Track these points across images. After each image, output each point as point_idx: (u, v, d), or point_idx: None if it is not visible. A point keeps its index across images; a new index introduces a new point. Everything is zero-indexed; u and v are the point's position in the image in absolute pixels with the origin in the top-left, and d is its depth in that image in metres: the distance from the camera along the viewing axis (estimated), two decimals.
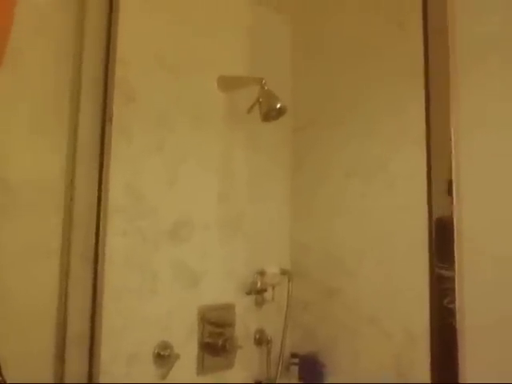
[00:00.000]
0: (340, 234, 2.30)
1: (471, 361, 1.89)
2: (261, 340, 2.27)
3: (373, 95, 2.25)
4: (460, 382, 1.89)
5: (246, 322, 2.22)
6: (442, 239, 1.96)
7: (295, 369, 2.29)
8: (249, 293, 2.20)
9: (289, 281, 2.30)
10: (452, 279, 1.92)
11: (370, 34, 2.28)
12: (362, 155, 2.26)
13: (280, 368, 2.24)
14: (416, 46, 2.09)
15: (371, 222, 2.22)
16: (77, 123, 1.72)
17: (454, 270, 1.90)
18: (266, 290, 2.23)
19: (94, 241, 1.74)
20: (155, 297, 1.89)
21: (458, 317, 1.91)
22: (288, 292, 2.29)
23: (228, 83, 2.12)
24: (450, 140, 1.93)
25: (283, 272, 2.30)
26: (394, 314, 2.14)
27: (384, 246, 2.17)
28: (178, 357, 1.91)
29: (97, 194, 1.74)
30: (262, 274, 2.23)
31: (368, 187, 2.23)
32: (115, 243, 1.77)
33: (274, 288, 2.26)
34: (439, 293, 1.99)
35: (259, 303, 2.27)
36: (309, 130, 2.43)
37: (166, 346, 1.91)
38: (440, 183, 1.96)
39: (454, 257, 1.89)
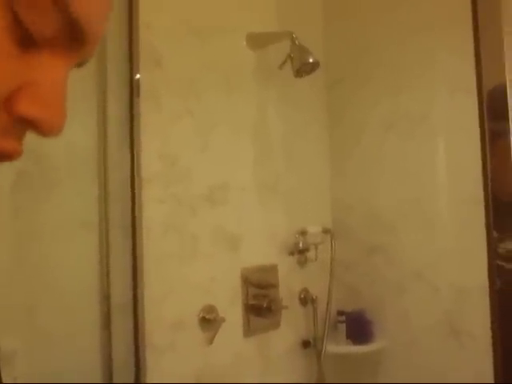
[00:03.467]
0: (381, 190, 2.24)
1: None
2: (306, 299, 2.26)
3: (408, 45, 2.14)
4: None
5: (289, 283, 2.20)
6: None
7: (343, 327, 2.27)
8: (291, 253, 2.18)
9: (331, 239, 2.26)
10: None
11: None
12: (399, 107, 2.17)
13: (327, 326, 2.22)
14: None
15: (414, 177, 2.14)
16: (105, 92, 1.70)
17: None
18: (308, 250, 2.20)
19: (130, 210, 1.73)
20: (196, 261, 1.89)
21: None
22: (331, 250, 2.25)
23: (257, 40, 2.05)
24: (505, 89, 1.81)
25: (325, 231, 2.26)
26: (441, 269, 2.08)
27: (425, 202, 2.11)
28: (223, 320, 1.92)
29: (130, 163, 1.73)
30: (303, 233, 2.20)
31: (407, 140, 2.15)
32: (152, 211, 1.77)
33: (316, 247, 2.22)
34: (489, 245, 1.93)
35: (302, 263, 2.25)
36: (344, 85, 2.34)
37: (210, 309, 1.92)
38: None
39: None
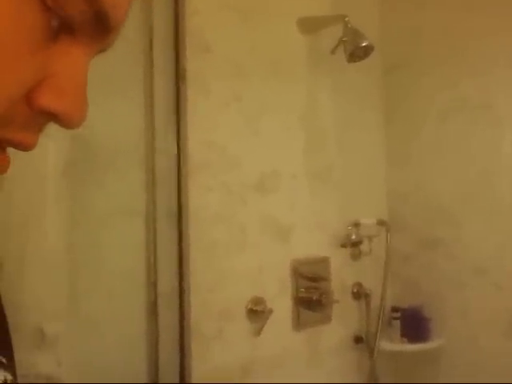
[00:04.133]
0: (440, 181, 2.13)
1: None
2: (359, 294, 2.18)
3: (467, 28, 2.03)
4: None
5: (342, 276, 2.14)
6: None
7: (397, 323, 2.18)
8: (344, 245, 2.11)
9: (387, 232, 2.17)
10: None
11: None
12: (460, 94, 2.06)
13: (380, 323, 2.14)
14: None
15: (474, 167, 2.03)
16: (152, 79, 1.69)
17: None
18: (361, 242, 2.13)
19: (177, 199, 1.72)
20: (245, 251, 1.86)
21: None
22: (386, 243, 2.17)
23: (309, 24, 1.99)
24: None
25: (380, 223, 2.17)
26: (505, 265, 1.96)
27: (489, 193, 1.99)
28: (271, 312, 1.88)
29: (177, 151, 1.71)
30: (356, 225, 2.12)
31: (469, 128, 2.04)
32: (200, 199, 1.75)
33: (370, 240, 2.15)
34: None
35: (356, 256, 2.17)
36: (401, 71, 2.25)
37: (258, 301, 1.89)
38: None
39: None
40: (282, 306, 1.95)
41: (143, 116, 1.70)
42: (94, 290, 1.58)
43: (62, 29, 0.32)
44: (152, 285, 1.71)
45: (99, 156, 1.60)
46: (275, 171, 1.94)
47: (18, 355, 0.44)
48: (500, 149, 1.97)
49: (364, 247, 2.16)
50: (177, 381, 1.74)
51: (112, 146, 1.63)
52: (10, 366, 0.41)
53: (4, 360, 0.40)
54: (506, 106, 1.95)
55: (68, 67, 0.33)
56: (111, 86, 1.62)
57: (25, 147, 0.34)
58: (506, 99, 1.94)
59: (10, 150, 0.34)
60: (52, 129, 0.35)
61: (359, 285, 2.19)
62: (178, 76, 1.70)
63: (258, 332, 1.88)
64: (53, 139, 1.41)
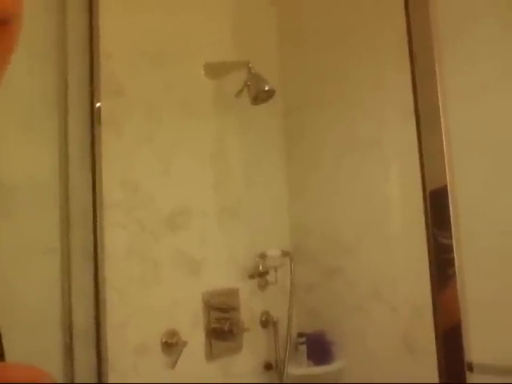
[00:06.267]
0: (338, 214, 2.31)
1: (475, 334, 1.90)
2: (267, 322, 2.29)
3: (361, 73, 2.25)
4: (465, 357, 1.90)
5: (251, 306, 2.24)
6: (438, 209, 1.96)
7: (304, 348, 2.30)
8: (251, 276, 2.22)
9: (290, 262, 2.32)
10: (451, 248, 1.92)
11: (355, 13, 2.27)
12: (353, 133, 2.27)
13: (288, 348, 2.25)
14: (398, 20, 2.07)
15: (368, 199, 2.22)
16: (66, 119, 1.73)
17: (451, 238, 1.90)
18: (268, 273, 2.24)
19: (92, 236, 1.75)
20: (158, 286, 1.91)
21: (458, 285, 1.91)
22: (290, 273, 2.31)
23: (215, 69, 2.13)
24: (439, 111, 1.92)
25: (284, 254, 2.31)
26: (398, 288, 2.15)
27: (380, 222, 2.18)
28: (185, 344, 1.93)
29: (91, 189, 1.75)
30: (263, 256, 2.24)
31: (361, 165, 2.24)
32: (114, 236, 1.79)
33: (276, 270, 2.27)
34: (440, 262, 2.00)
35: (262, 286, 2.29)
36: (300, 112, 2.43)
37: (172, 333, 1.94)
38: (432, 154, 1.96)
39: (450, 225, 1.90)
40: (195, 337, 2.02)
41: (57, 155, 1.72)
42: (8, 330, 1.55)
43: None
44: (67, 323, 1.71)
45: (12, 195, 1.61)
46: (186, 208, 2.03)
47: None
48: (388, 181, 2.17)
49: (270, 277, 2.28)
50: None
51: (26, 185, 1.64)
52: None
53: None
54: (392, 143, 2.16)
55: None
56: (25, 125, 1.64)
57: None
58: (392, 137, 2.16)
59: None
60: None
61: (267, 313, 2.30)
62: (93, 117, 1.76)
63: (173, 364, 1.92)
64: None
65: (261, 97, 2.05)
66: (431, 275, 1.98)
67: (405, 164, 2.09)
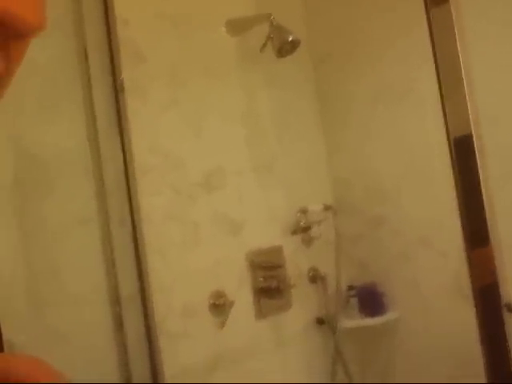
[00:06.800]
0: (377, 160, 2.25)
1: None
2: (315, 277, 2.27)
3: (390, 17, 2.15)
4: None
5: (296, 262, 2.22)
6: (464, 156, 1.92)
7: (354, 301, 2.28)
8: (294, 232, 2.19)
9: (334, 215, 2.27)
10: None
11: None
12: (385, 79, 2.19)
13: (339, 302, 2.23)
14: None
15: (404, 145, 2.16)
16: (90, 91, 1.74)
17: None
18: (310, 228, 2.21)
19: (128, 204, 1.77)
20: (200, 248, 1.92)
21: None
22: (335, 227, 2.27)
23: (237, 26, 2.08)
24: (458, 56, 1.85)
25: (326, 208, 2.27)
26: (445, 232, 2.08)
27: (421, 166, 2.12)
28: (232, 304, 1.94)
29: (122, 158, 1.76)
30: (304, 211, 2.21)
31: (396, 110, 2.17)
32: (150, 202, 1.80)
33: (319, 224, 2.24)
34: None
35: (307, 241, 2.26)
36: (330, 60, 2.36)
37: (219, 294, 1.95)
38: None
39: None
40: (242, 297, 2.02)
41: (85, 127, 1.74)
42: (57, 300, 1.61)
43: None
44: (113, 290, 1.74)
45: (46, 170, 1.64)
46: (220, 168, 2.01)
47: None
48: (424, 125, 2.09)
49: (314, 232, 2.25)
50: (150, 381, 1.77)
51: (58, 159, 1.67)
52: None
53: None
54: (426, 87, 2.07)
55: None
56: (50, 100, 1.66)
57: None
58: (425, 81, 2.07)
59: None
60: None
61: (314, 269, 2.28)
62: (116, 86, 1.76)
63: (222, 325, 1.93)
64: None
65: (286, 48, 2.00)
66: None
67: (430, 109, 2.03)
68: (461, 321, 2.05)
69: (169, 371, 1.75)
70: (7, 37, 0.32)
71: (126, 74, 1.77)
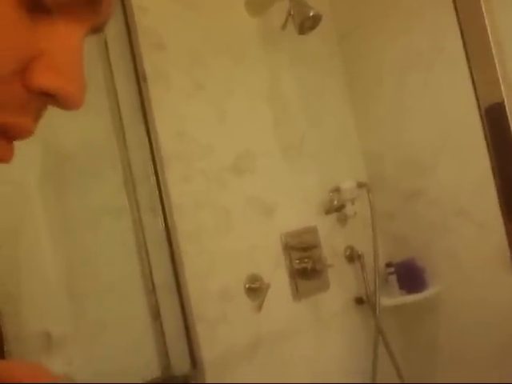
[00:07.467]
0: (409, 133, 2.19)
1: None
2: (352, 256, 2.23)
3: None
4: None
5: (332, 242, 2.19)
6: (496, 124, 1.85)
7: (394, 278, 2.23)
8: (328, 212, 2.16)
9: (368, 192, 2.23)
10: None
11: None
12: (413, 48, 2.12)
13: (378, 280, 2.19)
14: None
15: (437, 113, 2.09)
16: (113, 82, 1.73)
17: None
18: (344, 207, 2.17)
19: (157, 192, 1.77)
20: (233, 232, 1.91)
21: None
22: (369, 204, 2.22)
23: (256, 5, 2.04)
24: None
25: (360, 185, 2.22)
26: (482, 202, 2.02)
27: (456, 135, 2.04)
28: (268, 286, 1.93)
29: (149, 147, 1.76)
30: (336, 190, 2.17)
31: (426, 79, 2.10)
32: (180, 189, 1.79)
33: (353, 203, 2.20)
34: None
35: (342, 220, 2.22)
36: (355, 33, 2.30)
37: (255, 278, 1.94)
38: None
39: None
40: (278, 279, 2.00)
41: (110, 118, 1.74)
42: (94, 291, 1.62)
43: (52, 6, 0.31)
44: (148, 278, 1.75)
45: (74, 164, 1.64)
46: (249, 151, 1.99)
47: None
48: (457, 89, 2.02)
49: (348, 211, 2.21)
50: (189, 368, 1.78)
51: (85, 152, 1.67)
52: None
53: None
54: (456, 47, 1.99)
55: (63, 44, 0.32)
56: None
57: (21, 131, 0.33)
58: (455, 41, 1.99)
59: None
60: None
61: (351, 248, 2.24)
62: (138, 75, 1.75)
63: (259, 308, 1.92)
64: (22, 151, 1.45)
65: (307, 24, 1.95)
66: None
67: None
68: (505, 293, 1.99)
69: (207, 357, 1.76)
70: (48, 104, 0.33)
71: (148, 63, 1.76)
